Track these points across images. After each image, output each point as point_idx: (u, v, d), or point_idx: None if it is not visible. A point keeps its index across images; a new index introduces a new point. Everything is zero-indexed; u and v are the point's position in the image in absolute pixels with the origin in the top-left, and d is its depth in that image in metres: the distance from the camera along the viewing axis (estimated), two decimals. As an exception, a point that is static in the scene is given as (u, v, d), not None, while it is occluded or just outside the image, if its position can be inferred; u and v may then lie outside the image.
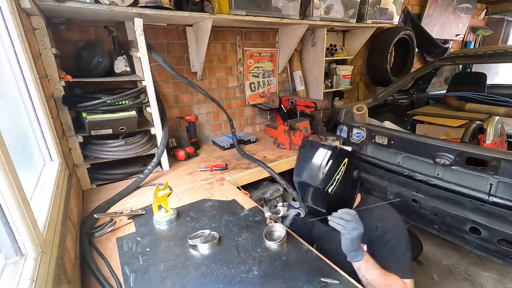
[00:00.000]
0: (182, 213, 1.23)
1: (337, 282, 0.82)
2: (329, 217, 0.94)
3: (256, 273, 0.86)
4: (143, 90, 1.55)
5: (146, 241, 1.04)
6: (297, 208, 1.13)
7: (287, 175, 1.74)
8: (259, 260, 0.92)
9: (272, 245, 0.99)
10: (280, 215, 1.13)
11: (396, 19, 2.90)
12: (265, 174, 1.84)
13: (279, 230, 1.07)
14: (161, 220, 1.14)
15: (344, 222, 0.90)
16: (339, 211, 0.93)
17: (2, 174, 0.56)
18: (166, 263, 0.92)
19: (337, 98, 3.07)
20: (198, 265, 0.91)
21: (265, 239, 1.01)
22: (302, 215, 1.10)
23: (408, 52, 3.41)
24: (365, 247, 1.03)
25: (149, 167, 1.58)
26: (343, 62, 2.92)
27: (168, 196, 1.18)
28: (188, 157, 1.89)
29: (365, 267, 0.91)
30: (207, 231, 1.04)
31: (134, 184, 1.47)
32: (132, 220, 1.18)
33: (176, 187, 1.50)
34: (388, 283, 0.92)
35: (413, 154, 1.86)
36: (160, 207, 1.17)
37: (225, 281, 0.83)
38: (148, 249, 1.00)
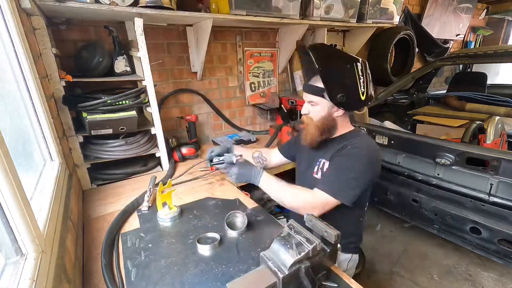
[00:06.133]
0: (185, 210, 1.24)
1: (335, 285, 0.81)
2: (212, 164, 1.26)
3: (254, 273, 0.86)
4: (143, 90, 1.55)
5: (149, 237, 1.06)
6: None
7: (287, 175, 1.74)
8: (258, 260, 0.91)
9: (233, 233, 1.06)
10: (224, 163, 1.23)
11: (396, 19, 2.90)
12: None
13: (240, 220, 1.14)
14: (165, 217, 1.16)
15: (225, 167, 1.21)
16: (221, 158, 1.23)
17: (2, 174, 0.56)
18: (167, 260, 0.93)
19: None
20: (198, 262, 0.92)
21: (227, 227, 1.07)
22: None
23: (408, 52, 3.41)
24: (326, 164, 1.13)
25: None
26: (343, 62, 2.91)
27: (171, 193, 1.19)
28: (183, 159, 1.88)
29: (265, 186, 1.16)
30: (211, 234, 1.05)
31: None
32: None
33: (177, 187, 1.50)
34: (289, 193, 1.11)
35: (413, 154, 1.86)
36: (164, 204, 1.19)
37: (223, 279, 0.84)
38: (150, 245, 1.01)
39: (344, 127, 1.17)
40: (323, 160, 1.16)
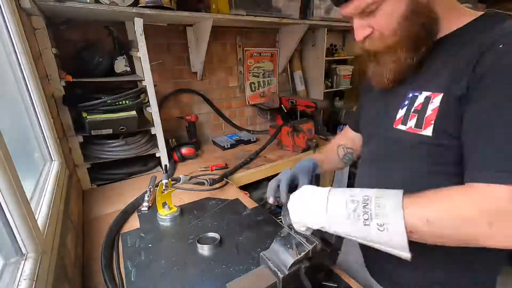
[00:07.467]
0: (185, 210, 1.24)
1: (335, 285, 0.81)
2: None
3: (254, 273, 0.86)
4: (143, 90, 1.55)
5: (149, 237, 1.06)
6: None
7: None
8: (258, 260, 0.92)
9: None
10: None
11: (396, 19, 2.90)
12: (265, 174, 1.84)
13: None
14: (165, 217, 1.16)
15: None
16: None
17: (2, 174, 0.56)
18: (167, 260, 0.93)
19: (338, 98, 3.07)
20: (198, 262, 0.92)
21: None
22: None
23: (408, 52, 3.40)
24: (437, 100, 0.54)
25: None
26: (343, 62, 2.92)
27: (171, 193, 1.19)
28: (183, 159, 1.88)
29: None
30: (211, 234, 1.05)
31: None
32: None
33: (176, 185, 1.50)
34: (439, 217, 0.47)
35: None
36: (164, 204, 1.19)
37: (223, 279, 0.83)
38: (150, 245, 1.01)
39: (452, 14, 0.57)
40: (422, 94, 0.57)
